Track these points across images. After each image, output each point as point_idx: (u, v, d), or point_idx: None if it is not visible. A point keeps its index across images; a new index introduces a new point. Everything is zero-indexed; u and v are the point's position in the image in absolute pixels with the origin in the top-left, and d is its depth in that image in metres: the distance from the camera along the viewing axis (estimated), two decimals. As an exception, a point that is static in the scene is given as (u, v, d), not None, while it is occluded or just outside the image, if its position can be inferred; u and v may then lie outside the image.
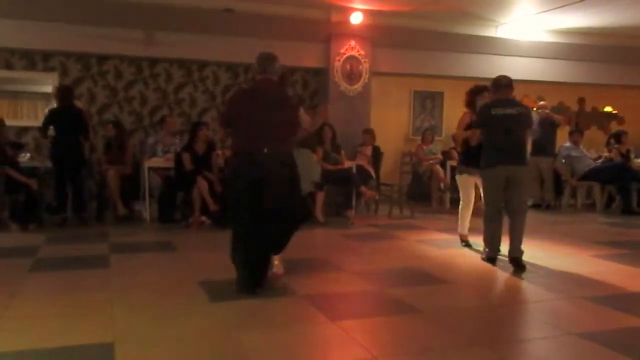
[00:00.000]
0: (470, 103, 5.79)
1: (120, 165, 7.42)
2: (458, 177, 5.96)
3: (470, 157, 5.53)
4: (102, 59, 8.12)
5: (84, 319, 3.52)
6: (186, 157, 7.09)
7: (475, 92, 5.75)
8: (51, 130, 6.90)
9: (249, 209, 4.02)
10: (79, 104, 7.47)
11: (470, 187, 5.83)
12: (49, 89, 7.73)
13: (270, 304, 3.91)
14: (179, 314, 3.65)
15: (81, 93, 8.06)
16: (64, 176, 6.86)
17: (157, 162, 7.46)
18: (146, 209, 7.43)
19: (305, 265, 5.11)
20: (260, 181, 3.98)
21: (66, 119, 6.83)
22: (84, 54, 7.97)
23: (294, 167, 4.22)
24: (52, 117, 6.84)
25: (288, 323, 3.55)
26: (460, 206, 6.01)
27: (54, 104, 7.11)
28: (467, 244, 6.00)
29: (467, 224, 6.01)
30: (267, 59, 4.20)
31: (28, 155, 7.43)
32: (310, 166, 7.14)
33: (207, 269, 4.85)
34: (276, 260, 4.52)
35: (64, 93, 6.95)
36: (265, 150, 3.97)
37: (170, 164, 7.31)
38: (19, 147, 7.35)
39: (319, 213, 7.35)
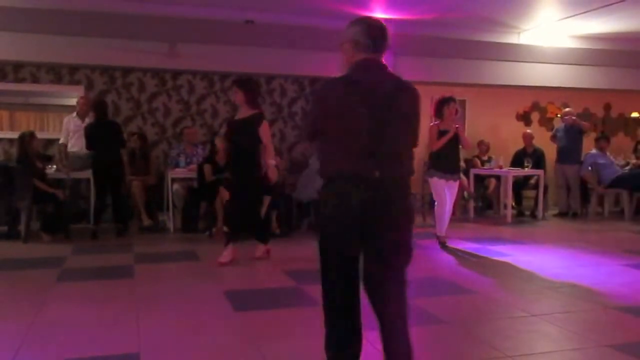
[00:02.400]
0: (437, 113, 6.39)
1: (144, 176, 7.50)
2: (429, 180, 6.50)
3: (438, 161, 6.30)
4: (126, 71, 8.23)
5: (109, 328, 3.55)
6: (207, 169, 7.16)
7: (443, 102, 6.35)
8: (72, 144, 7.13)
9: (347, 268, 2.48)
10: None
11: (441, 188, 6.32)
12: (74, 101, 7.85)
13: (292, 314, 3.90)
14: (203, 324, 3.65)
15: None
16: (106, 188, 6.96)
17: (180, 172, 7.53)
18: (170, 219, 7.49)
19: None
20: (368, 223, 2.37)
21: (106, 132, 6.94)
22: (109, 67, 8.08)
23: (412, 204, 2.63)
24: (91, 131, 6.95)
25: (311, 333, 3.52)
26: (434, 207, 6.50)
27: (74, 116, 7.35)
28: (444, 245, 6.38)
29: (444, 225, 6.47)
30: (380, 29, 2.57)
31: (54, 167, 7.55)
32: (313, 173, 7.32)
33: (231, 279, 4.86)
34: None
35: (102, 107, 7.07)
36: (377, 174, 2.36)
37: (193, 175, 7.37)
38: (48, 159, 7.48)
39: None
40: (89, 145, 6.95)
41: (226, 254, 5.41)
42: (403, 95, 2.48)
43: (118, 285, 4.70)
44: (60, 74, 8.00)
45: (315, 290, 4.42)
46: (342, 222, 2.40)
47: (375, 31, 2.54)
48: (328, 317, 2.57)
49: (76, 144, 7.39)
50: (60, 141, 7.59)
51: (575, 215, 9.07)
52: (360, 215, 2.36)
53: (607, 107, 10.84)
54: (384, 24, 2.63)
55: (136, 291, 4.47)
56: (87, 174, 7.20)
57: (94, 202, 7.12)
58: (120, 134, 7.15)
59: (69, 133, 7.50)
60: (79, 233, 7.01)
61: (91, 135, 6.91)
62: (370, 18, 2.65)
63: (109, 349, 3.18)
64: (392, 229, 2.42)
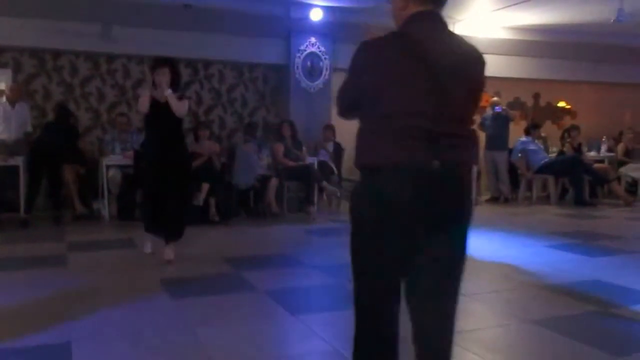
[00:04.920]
0: None
1: (76, 162, 7.28)
2: None
3: None
4: (57, 54, 7.93)
5: (40, 318, 3.46)
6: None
7: None
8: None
9: (393, 292, 1.94)
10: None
11: None
12: (2, 85, 7.52)
13: (230, 300, 3.92)
14: (139, 312, 3.62)
15: (35, 90, 7.87)
16: (42, 174, 6.89)
17: (115, 159, 7.36)
18: (105, 206, 7.31)
19: (266, 260, 5.14)
20: (425, 229, 1.85)
21: (59, 133, 7.06)
22: (38, 49, 7.77)
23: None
24: (48, 128, 7.19)
25: (248, 317, 3.56)
26: None
27: (4, 101, 7.11)
28: None
29: None
30: None
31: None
32: (251, 160, 7.52)
33: (168, 267, 4.82)
34: None
35: (64, 111, 7.33)
36: (436, 163, 1.81)
37: (129, 161, 7.21)
38: None
39: (272, 203, 7.57)
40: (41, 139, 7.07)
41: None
42: (472, 62, 1.94)
43: (50, 274, 4.57)
44: (-16, 56, 7.63)
45: (254, 276, 4.47)
46: (392, 236, 1.82)
47: None
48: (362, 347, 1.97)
49: (4, 131, 7.08)
50: None
51: (506, 201, 9.45)
52: (415, 222, 1.81)
53: (537, 97, 11.30)
54: None
55: (69, 280, 4.37)
56: (16, 160, 6.93)
57: (25, 190, 6.87)
58: (76, 129, 7.44)
59: None
60: (8, 223, 6.75)
61: (46, 131, 7.11)
62: None
63: (40, 339, 3.11)
64: (453, 236, 1.91)
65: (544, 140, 10.26)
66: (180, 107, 4.88)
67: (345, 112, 2.03)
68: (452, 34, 1.95)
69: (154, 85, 4.89)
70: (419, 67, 1.82)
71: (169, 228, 5.00)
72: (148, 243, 5.25)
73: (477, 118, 10.38)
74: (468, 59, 1.93)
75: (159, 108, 4.84)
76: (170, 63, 5.01)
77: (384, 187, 1.81)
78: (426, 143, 1.79)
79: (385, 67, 1.85)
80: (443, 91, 1.81)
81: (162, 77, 4.84)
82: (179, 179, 4.97)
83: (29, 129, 7.24)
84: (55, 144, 6.87)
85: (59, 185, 7.05)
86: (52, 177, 6.96)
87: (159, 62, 4.98)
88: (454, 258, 1.93)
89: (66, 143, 7.05)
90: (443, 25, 1.95)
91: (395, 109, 1.82)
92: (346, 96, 1.99)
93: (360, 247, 1.91)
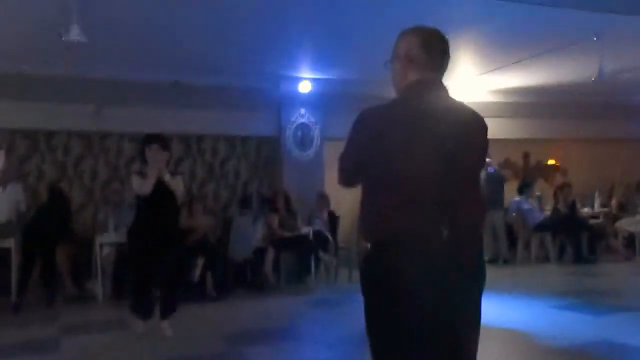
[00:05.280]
0: None
1: (68, 242, 7.18)
2: None
3: None
4: (50, 134, 8.00)
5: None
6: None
7: None
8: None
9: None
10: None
11: None
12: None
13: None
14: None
15: (29, 170, 7.88)
16: (35, 256, 6.79)
17: (109, 237, 7.27)
18: (99, 286, 7.15)
19: (265, 335, 4.99)
20: (432, 300, 1.77)
21: (52, 213, 7.03)
22: (30, 130, 7.84)
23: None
24: (40, 210, 7.15)
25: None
26: None
27: None
28: None
29: None
30: (441, 41, 2.00)
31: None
32: (247, 233, 7.47)
33: (165, 346, 4.67)
34: None
35: (57, 192, 7.27)
36: (446, 232, 1.77)
37: (123, 239, 7.11)
38: None
39: (269, 274, 7.50)
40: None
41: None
42: (475, 127, 1.92)
43: (42, 361, 4.41)
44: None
45: (254, 353, 4.32)
46: (399, 299, 1.75)
47: (435, 43, 1.96)
48: None
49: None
50: None
51: (505, 262, 9.35)
52: (431, 292, 1.73)
53: (526, 156, 11.43)
54: (445, 35, 2.01)
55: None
56: (8, 242, 6.82)
57: (17, 273, 6.73)
58: (69, 210, 7.38)
59: None
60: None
61: (38, 212, 7.09)
62: (427, 27, 2.00)
63: None
64: (468, 301, 1.83)
65: (539, 198, 10.28)
66: (179, 187, 4.91)
67: (347, 180, 2.00)
68: (453, 100, 1.96)
69: (145, 161, 4.87)
70: (421, 135, 1.80)
71: (165, 303, 4.91)
72: (139, 322, 5.03)
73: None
74: (471, 123, 1.92)
75: (157, 186, 4.78)
76: (163, 139, 5.03)
77: (395, 260, 1.75)
78: (435, 212, 1.74)
79: (389, 134, 1.80)
80: (450, 157, 1.79)
81: (158, 155, 4.80)
82: (176, 254, 4.91)
83: (23, 208, 7.15)
84: (49, 225, 6.80)
85: (52, 267, 6.92)
86: (45, 259, 6.84)
87: (152, 139, 4.96)
88: (470, 322, 1.85)
89: (59, 224, 6.99)
90: (444, 91, 1.95)
91: (402, 177, 1.78)
92: (348, 164, 1.96)
93: (375, 322, 1.88)
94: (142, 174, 4.83)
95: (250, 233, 7.64)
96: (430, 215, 1.74)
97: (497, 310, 5.43)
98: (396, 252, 1.75)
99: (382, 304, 1.81)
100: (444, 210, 1.75)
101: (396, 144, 1.79)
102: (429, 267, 1.73)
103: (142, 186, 4.75)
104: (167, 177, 4.80)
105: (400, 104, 1.93)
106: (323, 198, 8.68)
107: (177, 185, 4.88)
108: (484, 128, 1.96)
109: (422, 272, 1.73)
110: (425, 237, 1.74)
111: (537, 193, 10.33)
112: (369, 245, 1.85)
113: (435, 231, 1.73)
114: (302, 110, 9.07)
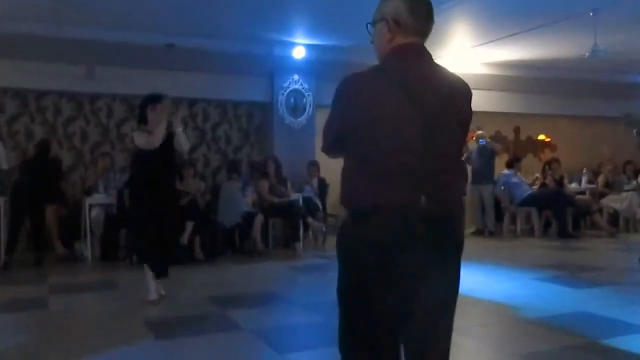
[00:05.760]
0: None
1: (58, 202, 7.19)
2: None
3: None
4: (40, 94, 7.93)
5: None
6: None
7: None
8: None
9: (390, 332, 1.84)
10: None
11: None
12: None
13: (217, 340, 3.85)
14: (123, 354, 3.54)
15: (18, 130, 7.83)
16: (24, 214, 6.80)
17: (99, 198, 7.29)
18: (88, 247, 7.20)
19: (252, 299, 5.07)
20: (408, 272, 1.77)
21: (42, 168, 6.98)
22: (20, 90, 7.76)
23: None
24: (27, 166, 7.04)
25: (235, 357, 3.50)
26: None
27: None
28: None
29: None
30: (426, 4, 1.95)
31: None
32: (235, 198, 7.49)
33: (152, 307, 4.73)
34: None
35: (44, 146, 7.18)
36: (423, 201, 1.75)
37: (112, 200, 7.15)
38: None
39: (258, 240, 7.54)
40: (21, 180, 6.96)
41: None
42: (459, 94, 1.90)
43: (30, 317, 4.47)
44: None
45: (240, 315, 4.40)
46: (384, 280, 1.75)
47: (420, 8, 1.91)
48: None
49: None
50: None
51: (491, 234, 9.48)
52: (408, 263, 1.73)
53: (517, 130, 11.48)
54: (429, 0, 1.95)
55: (49, 324, 4.27)
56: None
57: (6, 232, 6.73)
58: (60, 170, 7.32)
59: None
60: None
61: (26, 170, 6.99)
62: None
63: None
64: (447, 273, 1.83)
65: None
66: (187, 142, 4.95)
67: (331, 148, 1.94)
68: (437, 66, 1.91)
69: (145, 123, 4.82)
70: (406, 101, 1.75)
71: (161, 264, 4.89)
72: (154, 288, 4.83)
73: (464, 151, 10.53)
74: (455, 90, 1.88)
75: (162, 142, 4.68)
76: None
77: (372, 230, 1.73)
78: (415, 182, 1.72)
79: (372, 102, 1.77)
80: (432, 126, 1.75)
81: (169, 109, 4.78)
82: (175, 214, 4.96)
83: (4, 166, 7.04)
84: (37, 185, 6.79)
85: (40, 226, 6.94)
86: (34, 218, 6.86)
87: (158, 96, 4.84)
88: (447, 294, 1.85)
89: (48, 183, 6.97)
90: (428, 57, 1.91)
91: (383, 146, 1.75)
92: (332, 131, 1.90)
93: (348, 293, 1.83)
94: (148, 131, 4.69)
95: (239, 199, 7.68)
96: (410, 186, 1.72)
97: (480, 281, 5.54)
98: (373, 220, 1.73)
99: (355, 272, 1.79)
100: (425, 181, 1.72)
101: (377, 113, 1.76)
102: (405, 237, 1.72)
103: (149, 140, 4.60)
104: (179, 130, 4.79)
105: (383, 70, 1.86)
106: (314, 165, 8.71)
107: (186, 140, 4.92)
108: (469, 95, 1.94)
109: (397, 241, 1.71)
110: (402, 207, 1.72)
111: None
112: (347, 212, 1.84)
113: (414, 200, 1.71)
114: (296, 77, 9.02)
